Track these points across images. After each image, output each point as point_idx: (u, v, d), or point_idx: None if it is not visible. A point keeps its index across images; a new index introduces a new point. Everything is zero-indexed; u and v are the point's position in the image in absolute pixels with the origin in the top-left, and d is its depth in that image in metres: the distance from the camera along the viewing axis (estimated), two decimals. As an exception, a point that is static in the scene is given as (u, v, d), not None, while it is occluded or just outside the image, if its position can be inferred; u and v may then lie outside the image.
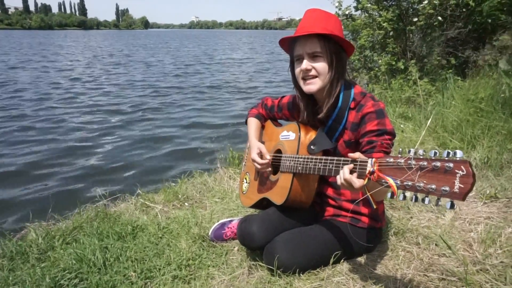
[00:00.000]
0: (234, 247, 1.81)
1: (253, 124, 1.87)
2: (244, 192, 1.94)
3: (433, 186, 0.93)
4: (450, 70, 4.70)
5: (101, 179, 4.38)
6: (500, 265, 1.49)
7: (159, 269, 1.63)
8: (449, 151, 0.92)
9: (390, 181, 1.02)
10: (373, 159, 1.11)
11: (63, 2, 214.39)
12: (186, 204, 2.46)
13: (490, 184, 2.29)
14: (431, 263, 1.56)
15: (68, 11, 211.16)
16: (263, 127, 1.92)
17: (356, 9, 5.47)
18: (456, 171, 0.89)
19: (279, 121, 1.91)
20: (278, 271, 1.48)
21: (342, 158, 1.28)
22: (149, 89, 10.68)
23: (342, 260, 1.59)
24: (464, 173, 0.88)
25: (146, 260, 1.69)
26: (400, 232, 1.81)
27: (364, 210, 1.58)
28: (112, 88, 10.81)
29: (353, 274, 1.52)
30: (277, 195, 1.62)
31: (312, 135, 1.58)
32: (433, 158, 0.95)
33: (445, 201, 0.93)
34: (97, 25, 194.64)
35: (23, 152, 5.28)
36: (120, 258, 1.69)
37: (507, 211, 1.96)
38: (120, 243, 1.82)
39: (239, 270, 1.62)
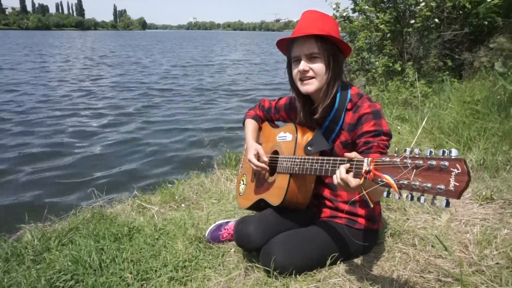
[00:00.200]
0: (230, 249, 1.81)
1: (250, 125, 1.87)
2: (241, 194, 1.93)
3: (429, 185, 0.93)
4: (447, 72, 4.73)
5: (97, 180, 4.37)
6: (495, 267, 1.50)
7: (156, 270, 1.62)
8: (445, 149, 0.93)
9: (388, 178, 1.02)
10: (369, 159, 1.11)
11: (61, 2, 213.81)
12: (182, 205, 2.45)
13: (486, 185, 2.30)
14: (427, 264, 1.56)
15: (65, 11, 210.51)
16: (260, 128, 1.92)
17: (354, 11, 5.49)
18: (451, 169, 0.90)
19: (276, 122, 1.92)
20: (275, 273, 1.48)
21: (339, 158, 1.28)
22: (146, 91, 10.65)
23: (338, 262, 1.59)
24: (459, 171, 0.89)
25: (142, 262, 1.68)
26: (396, 233, 1.81)
27: (361, 211, 1.58)
28: (106, 90, 10.76)
29: (350, 276, 1.52)
30: (274, 196, 1.62)
31: (309, 136, 1.58)
32: (428, 157, 0.95)
33: (441, 200, 0.93)
34: (95, 25, 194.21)
35: (18, 153, 5.26)
36: (116, 260, 1.69)
37: (502, 213, 1.97)
38: (116, 245, 1.81)
39: (235, 271, 1.61)
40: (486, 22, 4.68)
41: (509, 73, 3.24)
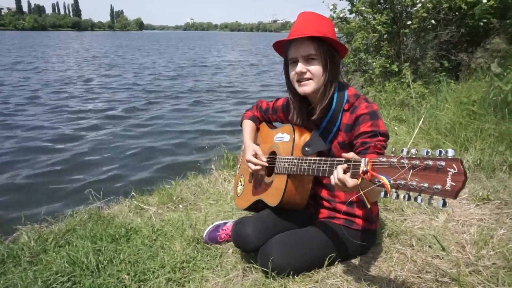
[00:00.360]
0: (228, 250, 1.81)
1: (248, 126, 1.87)
2: (238, 195, 1.93)
3: (426, 185, 0.94)
4: (443, 73, 4.75)
5: (94, 181, 4.35)
6: (492, 267, 1.51)
7: (153, 271, 1.62)
8: (441, 150, 0.93)
9: (384, 179, 1.03)
10: (366, 159, 1.12)
11: (57, 3, 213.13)
12: (180, 206, 2.45)
13: (483, 186, 2.31)
14: (424, 265, 1.57)
15: (62, 12, 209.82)
16: (258, 129, 1.92)
17: (351, 12, 5.51)
18: (448, 169, 0.90)
19: (274, 123, 1.92)
20: (273, 273, 1.48)
21: (336, 159, 1.28)
22: (143, 92, 10.63)
23: (336, 262, 1.59)
24: (456, 171, 0.89)
25: (140, 263, 1.68)
26: (394, 234, 1.82)
27: (359, 212, 1.59)
28: (103, 91, 10.73)
29: (347, 276, 1.52)
30: (272, 197, 1.62)
31: (306, 137, 1.59)
32: (425, 157, 0.95)
33: (438, 200, 0.94)
34: (92, 26, 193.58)
35: (16, 154, 5.23)
36: (114, 261, 1.68)
37: (499, 213, 1.98)
38: (114, 246, 1.81)
39: (233, 272, 1.61)
40: (481, 23, 4.71)
41: (505, 74, 3.25)
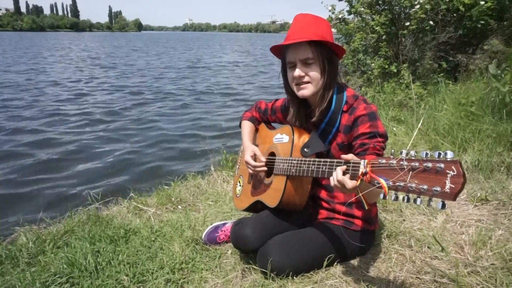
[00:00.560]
0: (227, 250, 1.81)
1: (246, 127, 1.87)
2: (237, 195, 1.93)
3: (425, 187, 0.94)
4: (442, 74, 4.77)
5: (93, 182, 4.34)
6: (490, 267, 1.51)
7: (152, 272, 1.62)
8: (440, 152, 0.93)
9: (382, 181, 1.03)
10: (366, 161, 1.12)
11: (55, 3, 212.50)
12: (179, 207, 2.44)
13: (481, 187, 2.32)
14: (423, 266, 1.57)
15: (60, 12, 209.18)
16: (257, 130, 1.92)
17: (349, 13, 5.53)
18: (447, 171, 0.90)
19: (273, 124, 1.92)
20: (272, 274, 1.48)
21: (335, 160, 1.28)
22: (141, 93, 10.61)
23: (335, 263, 1.60)
24: (455, 173, 0.89)
25: (138, 264, 1.68)
26: (393, 234, 1.82)
27: (358, 213, 1.59)
28: (100, 92, 10.71)
29: (346, 277, 1.53)
30: (271, 198, 1.62)
31: (305, 138, 1.59)
32: (424, 159, 0.96)
33: (437, 202, 0.94)
34: (90, 27, 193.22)
35: (14, 155, 5.21)
36: (112, 262, 1.67)
37: (497, 214, 1.99)
38: (112, 247, 1.80)
39: (232, 273, 1.61)
40: (479, 25, 4.73)
41: (503, 75, 3.26)
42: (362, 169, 1.12)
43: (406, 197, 1.00)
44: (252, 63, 21.77)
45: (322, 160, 1.35)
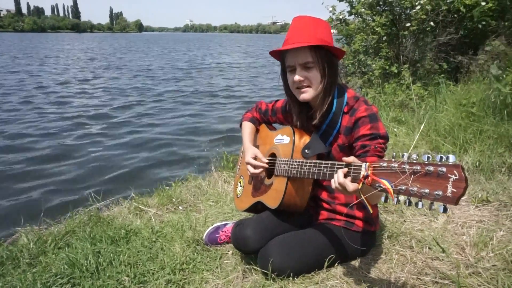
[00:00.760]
0: (228, 251, 1.81)
1: (247, 128, 1.87)
2: (238, 196, 1.93)
3: (427, 191, 0.93)
4: (442, 75, 4.77)
5: (94, 183, 4.34)
6: (492, 269, 1.51)
7: (153, 273, 1.62)
8: (442, 155, 0.93)
9: (386, 184, 1.02)
10: (367, 163, 1.11)
11: (56, 5, 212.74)
12: (180, 207, 2.44)
13: (482, 188, 2.32)
14: (424, 266, 1.57)
15: (61, 14, 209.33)
16: (257, 130, 1.92)
17: (350, 13, 5.53)
18: (449, 175, 0.90)
19: (274, 124, 1.92)
20: (272, 275, 1.48)
21: (336, 162, 1.28)
22: (141, 94, 10.60)
23: (336, 264, 1.59)
24: (457, 177, 0.89)
25: (139, 265, 1.68)
26: (393, 235, 1.82)
27: (358, 213, 1.59)
28: (100, 93, 10.69)
29: (347, 278, 1.52)
30: (272, 199, 1.62)
31: (306, 139, 1.59)
32: (426, 162, 0.95)
33: (438, 205, 0.94)
34: (91, 28, 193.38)
35: (14, 156, 5.22)
36: (113, 263, 1.68)
37: (498, 215, 1.98)
38: (113, 248, 1.80)
39: (233, 274, 1.61)
40: (480, 26, 4.73)
41: (504, 76, 3.26)
42: (363, 172, 1.11)
43: (407, 201, 0.99)
44: (253, 64, 21.77)
45: (323, 162, 1.35)
